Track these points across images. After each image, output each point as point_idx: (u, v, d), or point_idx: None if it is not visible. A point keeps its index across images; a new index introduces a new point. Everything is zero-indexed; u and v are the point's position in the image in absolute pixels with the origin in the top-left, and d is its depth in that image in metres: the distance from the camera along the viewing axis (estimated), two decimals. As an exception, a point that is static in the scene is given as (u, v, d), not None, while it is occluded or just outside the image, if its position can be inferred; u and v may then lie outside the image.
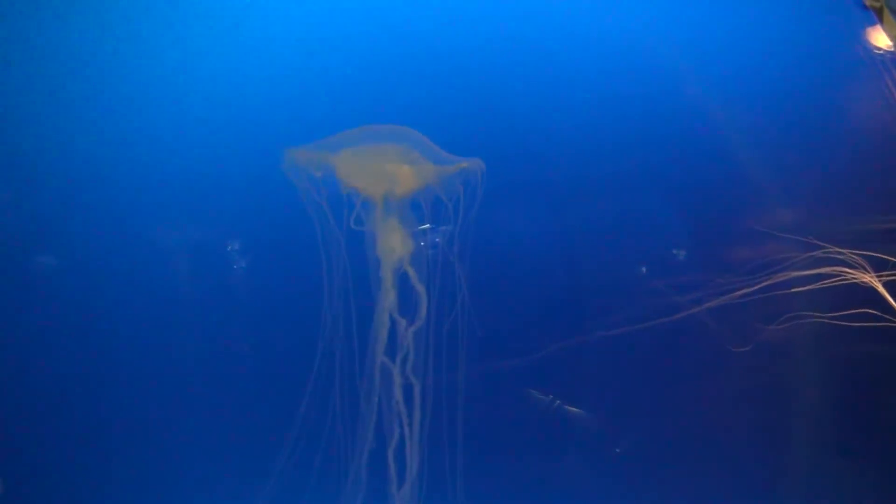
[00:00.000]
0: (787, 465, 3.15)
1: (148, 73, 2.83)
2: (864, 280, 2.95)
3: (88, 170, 2.84)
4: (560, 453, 3.15)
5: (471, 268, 2.80)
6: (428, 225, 2.90)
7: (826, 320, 2.96)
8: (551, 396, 3.18)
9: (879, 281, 2.94)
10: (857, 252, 2.95)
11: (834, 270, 2.95)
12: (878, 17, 3.07)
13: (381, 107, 2.82)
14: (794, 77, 3.07)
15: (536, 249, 3.08)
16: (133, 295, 2.87)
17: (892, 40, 3.09)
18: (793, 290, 2.96)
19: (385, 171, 2.79)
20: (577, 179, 3.10)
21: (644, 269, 3.16)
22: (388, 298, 2.72)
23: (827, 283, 2.96)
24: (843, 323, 2.93)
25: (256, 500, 2.80)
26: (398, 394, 2.73)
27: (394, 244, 2.75)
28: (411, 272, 2.74)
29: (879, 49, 3.13)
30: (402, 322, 2.74)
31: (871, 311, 2.89)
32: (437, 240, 2.91)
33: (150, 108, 2.84)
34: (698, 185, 3.16)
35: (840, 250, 2.95)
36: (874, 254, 2.94)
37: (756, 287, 2.96)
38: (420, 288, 2.71)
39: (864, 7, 3.12)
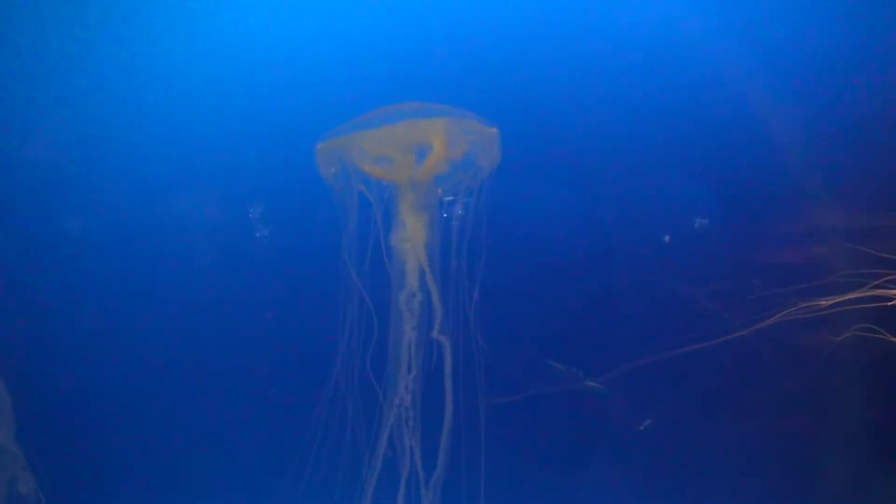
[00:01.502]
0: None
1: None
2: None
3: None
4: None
5: (490, 264, 2.80)
6: (451, 197, 2.95)
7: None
8: (574, 370, 3.21)
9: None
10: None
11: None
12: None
13: (406, 81, 2.86)
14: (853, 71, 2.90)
15: (567, 250, 3.07)
16: (149, 296, 2.99)
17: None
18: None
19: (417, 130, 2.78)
20: (618, 181, 3.08)
21: (667, 238, 3.09)
22: (411, 301, 2.73)
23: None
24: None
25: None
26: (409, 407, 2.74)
27: (416, 238, 2.77)
28: (428, 275, 2.78)
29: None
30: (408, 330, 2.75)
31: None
32: (460, 212, 2.96)
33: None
34: (751, 186, 3.06)
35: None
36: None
37: (828, 303, 2.85)
38: (436, 299, 2.73)
39: None
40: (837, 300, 2.84)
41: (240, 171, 3.00)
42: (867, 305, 2.82)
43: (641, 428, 3.25)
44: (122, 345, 2.96)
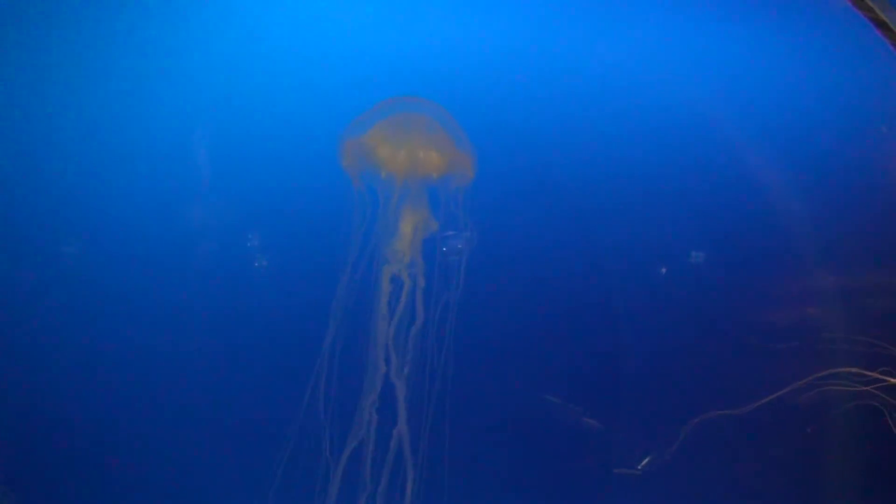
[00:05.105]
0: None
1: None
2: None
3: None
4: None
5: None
6: (451, 232, 3.03)
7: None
8: (570, 405, 3.24)
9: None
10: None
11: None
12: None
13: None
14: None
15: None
16: (142, 298, 3.02)
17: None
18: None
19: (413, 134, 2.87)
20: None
21: (664, 270, 3.08)
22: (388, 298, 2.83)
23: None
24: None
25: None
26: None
27: (406, 243, 2.85)
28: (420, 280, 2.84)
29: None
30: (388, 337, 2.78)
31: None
32: (459, 246, 3.04)
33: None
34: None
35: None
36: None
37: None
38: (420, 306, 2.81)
39: None
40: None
41: (239, 192, 3.12)
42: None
43: (639, 467, 3.25)
44: (112, 358, 3.05)
